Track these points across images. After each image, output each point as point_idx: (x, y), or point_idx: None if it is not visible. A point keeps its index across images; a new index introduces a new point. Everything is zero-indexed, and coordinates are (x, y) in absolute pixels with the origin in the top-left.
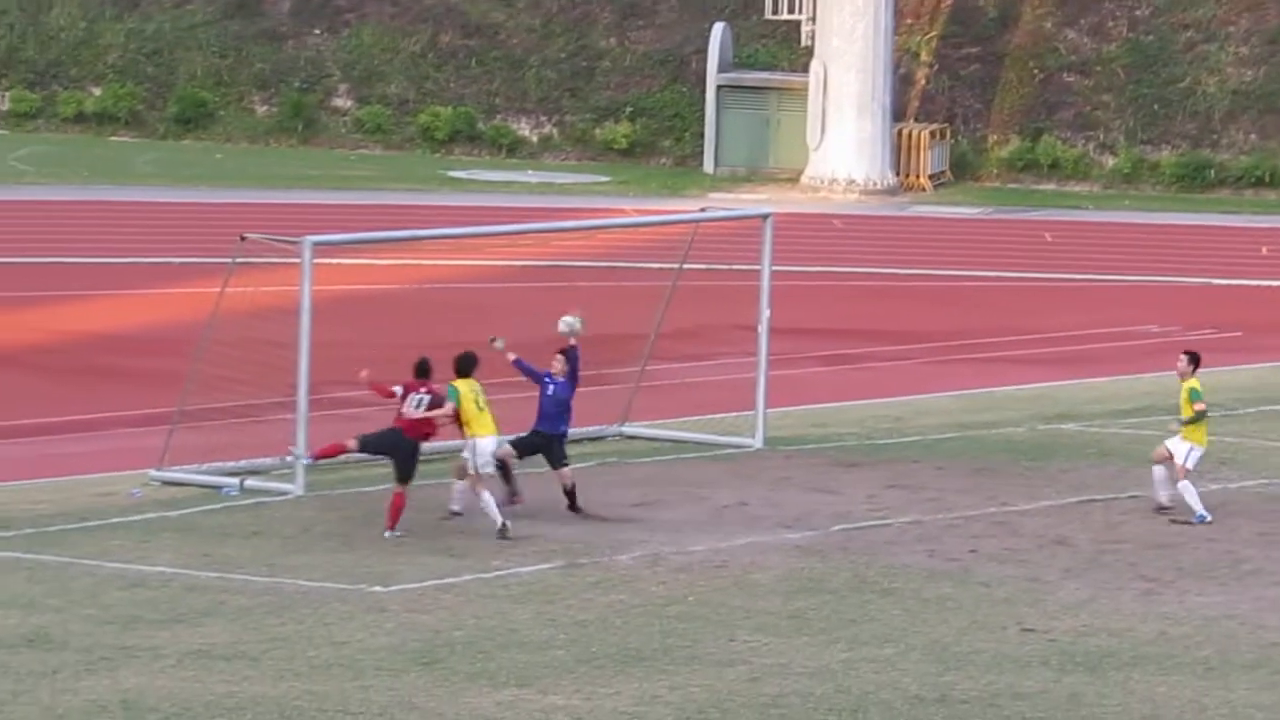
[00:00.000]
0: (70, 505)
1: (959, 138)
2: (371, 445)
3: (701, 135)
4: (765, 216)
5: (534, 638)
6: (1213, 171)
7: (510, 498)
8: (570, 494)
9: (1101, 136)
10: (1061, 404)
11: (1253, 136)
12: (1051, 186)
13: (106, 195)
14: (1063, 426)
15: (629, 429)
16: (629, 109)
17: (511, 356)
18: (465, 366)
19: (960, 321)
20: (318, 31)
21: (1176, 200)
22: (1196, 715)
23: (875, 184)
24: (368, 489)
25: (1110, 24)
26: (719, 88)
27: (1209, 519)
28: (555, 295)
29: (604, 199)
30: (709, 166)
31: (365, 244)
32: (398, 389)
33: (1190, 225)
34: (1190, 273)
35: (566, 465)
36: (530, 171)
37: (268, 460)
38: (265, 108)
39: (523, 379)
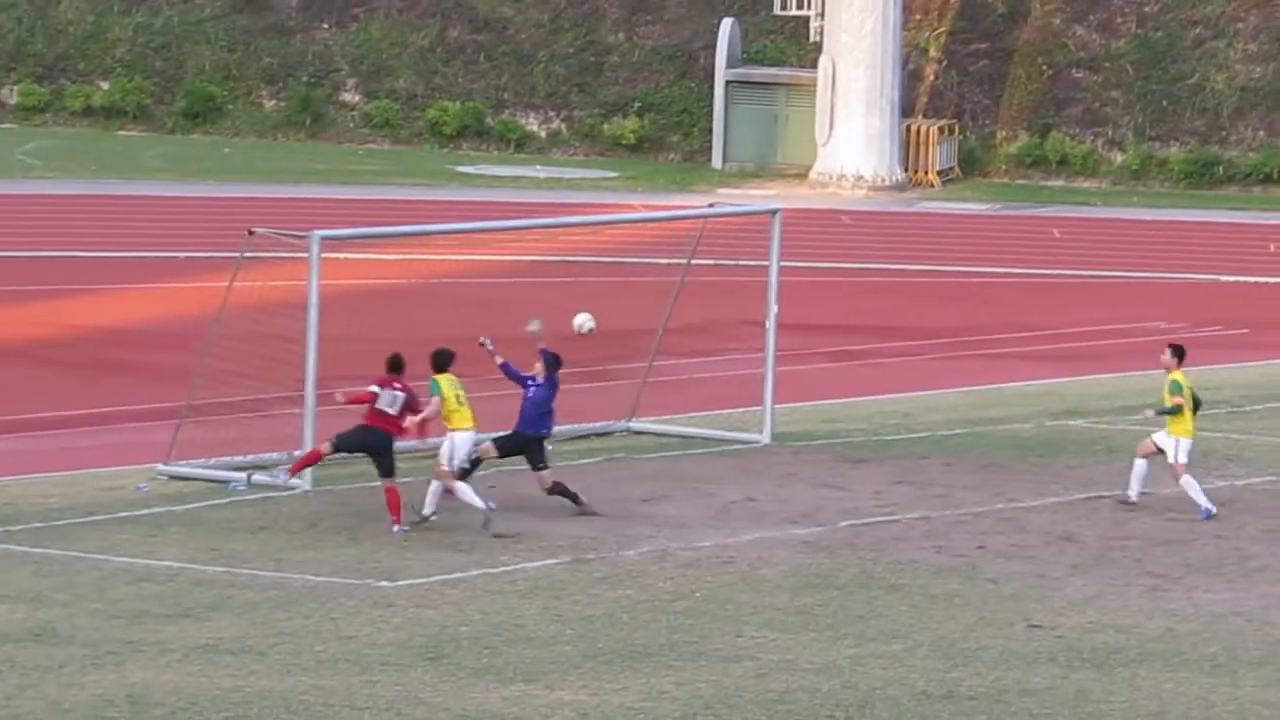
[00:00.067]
0: (78, 499)
1: (967, 134)
2: (346, 444)
3: (710, 131)
4: (773, 212)
5: (541, 633)
6: (1221, 168)
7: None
8: (563, 494)
9: (1110, 133)
10: (1069, 400)
11: (1261, 133)
12: (1060, 183)
13: (114, 189)
14: (1070, 423)
15: (636, 424)
16: (637, 104)
17: (499, 360)
18: (443, 362)
19: (968, 317)
20: (326, 26)
21: (1185, 197)
22: (1203, 712)
23: (883, 180)
24: (375, 483)
25: (1119, 20)
26: (727, 83)
27: (1214, 512)
28: (563, 290)
29: (612, 194)
30: (717, 162)
31: (373, 238)
32: (374, 388)
33: (1198, 222)
34: (1198, 269)
35: (545, 468)
36: (538, 167)
37: (275, 455)
38: (273, 102)
39: (504, 378)
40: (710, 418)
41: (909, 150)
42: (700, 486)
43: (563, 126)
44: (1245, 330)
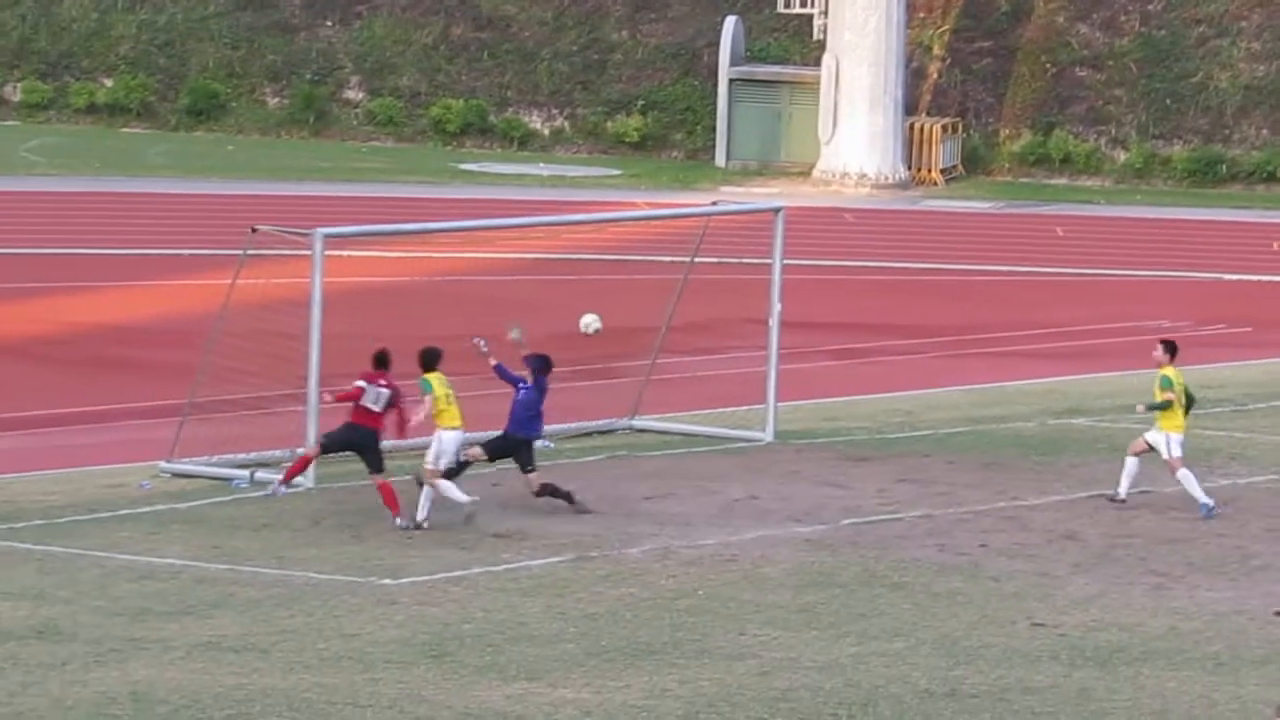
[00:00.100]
0: (80, 497)
1: (971, 132)
2: (333, 444)
3: (713, 129)
4: (777, 210)
5: (543, 631)
6: (1224, 167)
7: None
8: (553, 495)
9: (1113, 131)
10: (1072, 399)
11: (1264, 132)
12: (1063, 181)
13: (118, 187)
14: (1073, 421)
15: (639, 422)
16: (640, 102)
17: (493, 361)
18: (432, 360)
19: (971, 316)
20: (330, 23)
21: (1188, 195)
22: (1206, 711)
23: (887, 178)
24: (402, 478)
25: (1122, 18)
26: (731, 81)
27: (1213, 506)
28: (567, 288)
29: (615, 192)
30: (720, 160)
31: (376, 236)
32: (361, 383)
33: (1201, 220)
34: (1201, 268)
35: (534, 470)
36: (542, 165)
37: (278, 452)
38: (277, 100)
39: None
40: (713, 415)
41: (912, 148)
42: (703, 484)
43: (566, 124)
44: (1248, 329)
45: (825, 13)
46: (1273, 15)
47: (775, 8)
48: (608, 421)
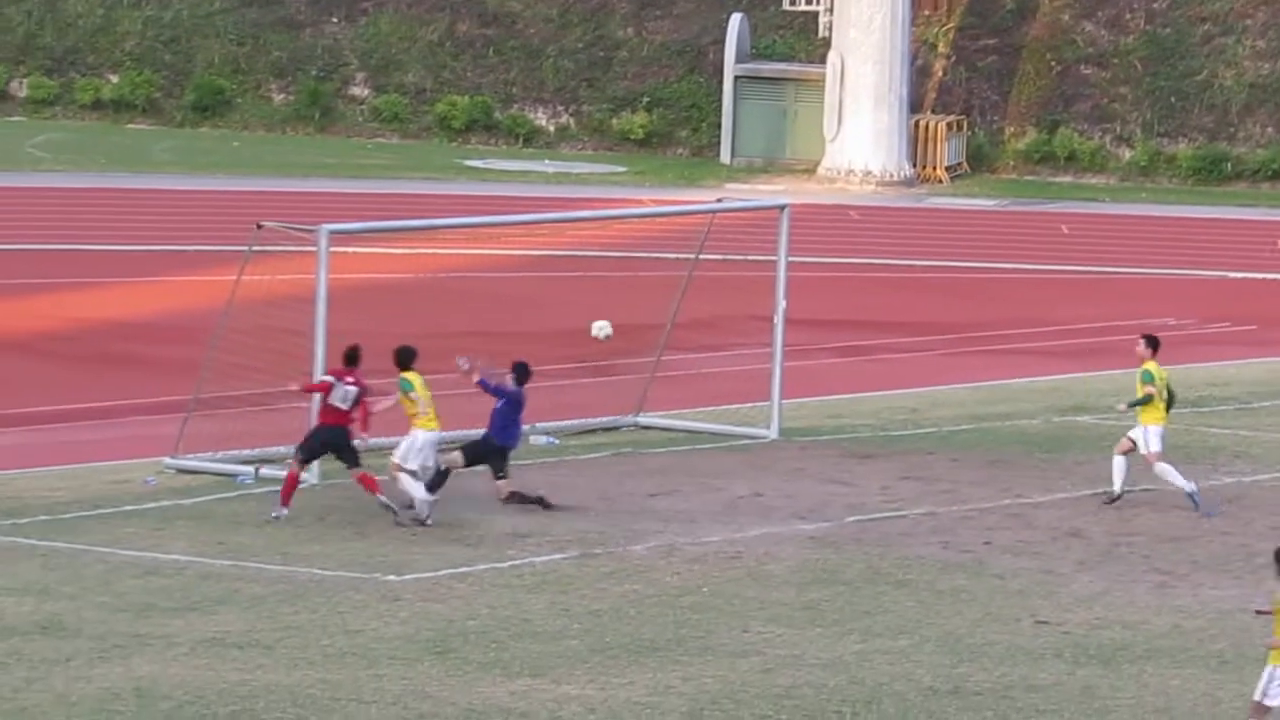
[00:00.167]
0: (84, 493)
1: (976, 129)
2: (311, 452)
3: (718, 126)
4: (782, 207)
5: (548, 628)
6: (1229, 165)
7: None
8: (521, 501)
9: (1118, 129)
10: (1077, 396)
11: (1269, 130)
12: (1068, 179)
13: (123, 183)
14: (1078, 419)
15: (644, 419)
16: (646, 99)
17: (476, 377)
18: (408, 359)
19: (976, 313)
20: (335, 20)
21: (1193, 193)
22: (1210, 709)
23: (892, 175)
24: (382, 477)
25: (1128, 16)
26: (736, 78)
27: (1196, 490)
28: (571, 285)
29: (620, 189)
30: (725, 157)
31: (381, 232)
32: (329, 378)
33: (1206, 218)
34: (1206, 265)
35: (504, 478)
36: (547, 161)
37: (283, 448)
38: (282, 96)
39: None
40: (718, 413)
41: (917, 146)
42: (707, 481)
43: (571, 121)
44: (1253, 327)
45: (830, 10)
46: (1278, 13)
47: (780, 5)
48: (612, 418)
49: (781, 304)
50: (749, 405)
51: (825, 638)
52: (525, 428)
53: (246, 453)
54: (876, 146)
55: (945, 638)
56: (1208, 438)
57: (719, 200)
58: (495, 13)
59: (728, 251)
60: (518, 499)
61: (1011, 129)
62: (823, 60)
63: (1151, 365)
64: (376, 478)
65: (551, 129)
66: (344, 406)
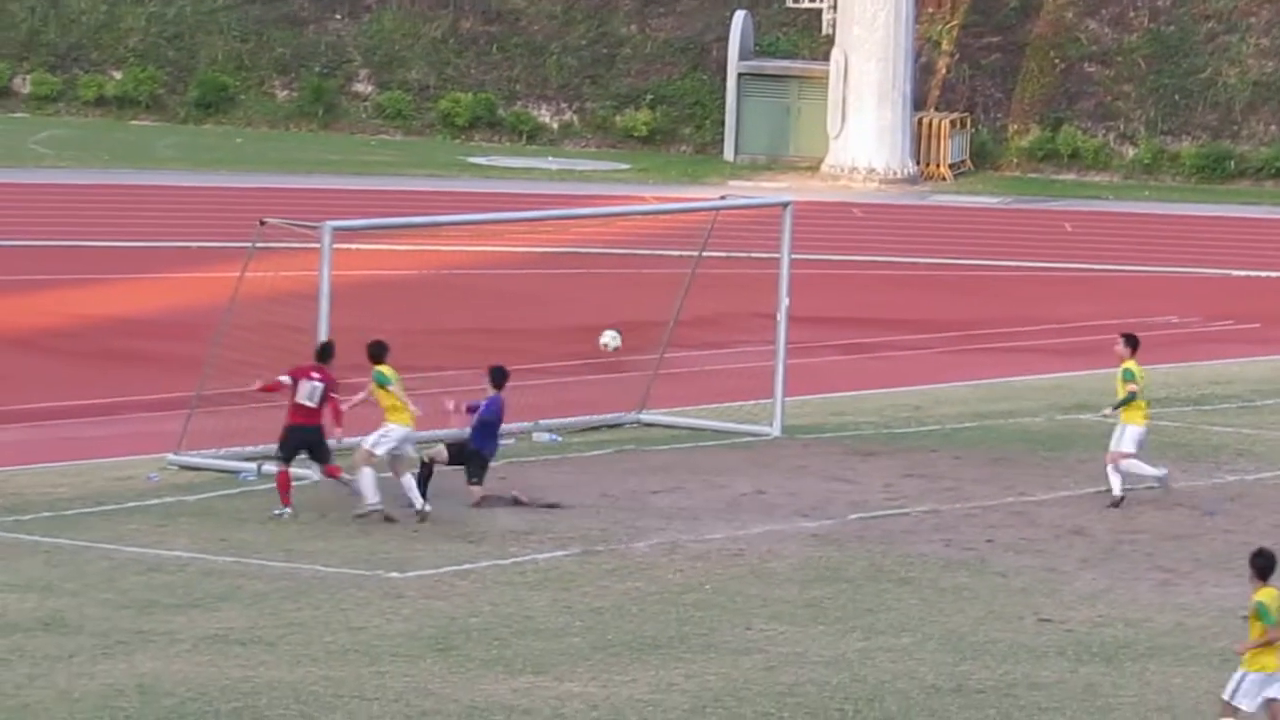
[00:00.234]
0: (87, 489)
1: (979, 127)
2: (289, 452)
3: (722, 123)
4: (785, 205)
5: (550, 625)
6: (1233, 163)
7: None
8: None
9: (1122, 127)
10: (1079, 394)
11: (1273, 128)
12: (1071, 176)
13: (127, 179)
14: (1080, 417)
15: (647, 416)
16: (649, 96)
17: (465, 409)
18: (381, 352)
19: (979, 311)
20: (339, 16)
21: (1196, 191)
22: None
23: (895, 173)
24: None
25: (1131, 14)
26: (739, 76)
27: (1165, 475)
28: (575, 282)
29: (624, 186)
30: (729, 154)
31: (385, 229)
32: (285, 378)
33: (1210, 216)
34: (1209, 264)
35: (476, 484)
36: (550, 158)
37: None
38: (286, 92)
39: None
40: (720, 410)
41: (921, 143)
42: (710, 479)
43: (575, 118)
44: (1257, 325)
45: (834, 8)
46: None
47: (784, 2)
48: (615, 416)
49: (784, 301)
50: (752, 402)
51: (828, 635)
52: (528, 425)
53: (249, 449)
54: (880, 144)
55: (948, 635)
56: (1210, 436)
57: (722, 197)
58: (499, 9)
59: (731, 249)
60: (489, 503)
61: (1015, 126)
62: (826, 57)
63: (1131, 364)
64: (337, 469)
65: (555, 126)
66: (311, 404)
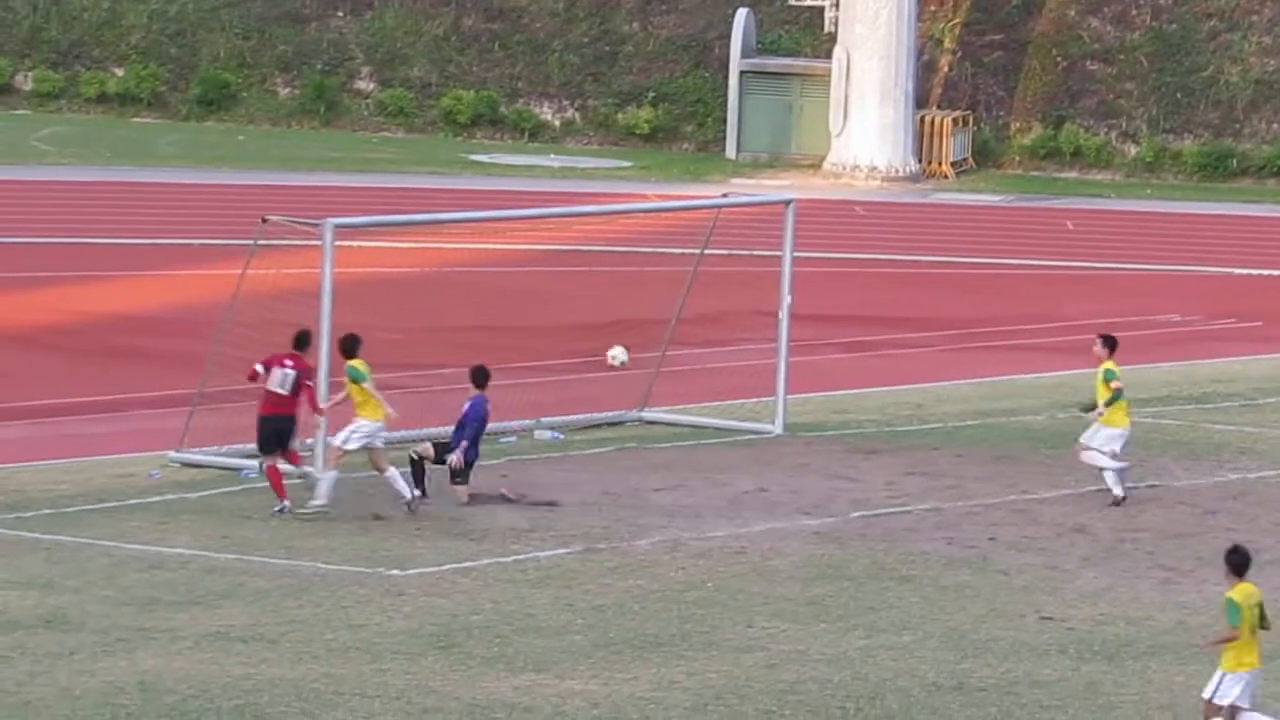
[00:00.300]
0: (89, 486)
1: (981, 125)
2: (267, 445)
3: (724, 121)
4: (787, 202)
5: (552, 623)
6: (1235, 161)
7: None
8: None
9: (1124, 125)
10: (1082, 392)
11: (1275, 126)
12: (1074, 174)
13: (128, 176)
14: (1083, 415)
15: (649, 414)
16: (651, 94)
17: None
18: (354, 347)
19: (981, 309)
20: (341, 14)
21: (1198, 189)
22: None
23: (897, 171)
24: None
25: (1133, 12)
26: (742, 73)
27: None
28: (577, 279)
29: (626, 184)
30: (731, 152)
31: (387, 227)
32: (259, 366)
33: (1212, 215)
34: (1212, 262)
35: (461, 484)
36: (552, 156)
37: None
38: (288, 90)
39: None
40: (723, 408)
41: (923, 141)
42: (712, 476)
43: (577, 116)
44: (1259, 323)
45: (836, 5)
46: None
47: (786, 0)
48: (617, 413)
49: (787, 299)
50: (754, 400)
51: (829, 633)
52: (529, 422)
53: (251, 447)
54: (882, 142)
55: (949, 633)
56: (1212, 434)
57: (724, 195)
58: (500, 7)
59: (733, 246)
60: (477, 501)
61: (1017, 124)
62: (828, 55)
63: (1110, 364)
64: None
65: (557, 123)
66: (283, 391)
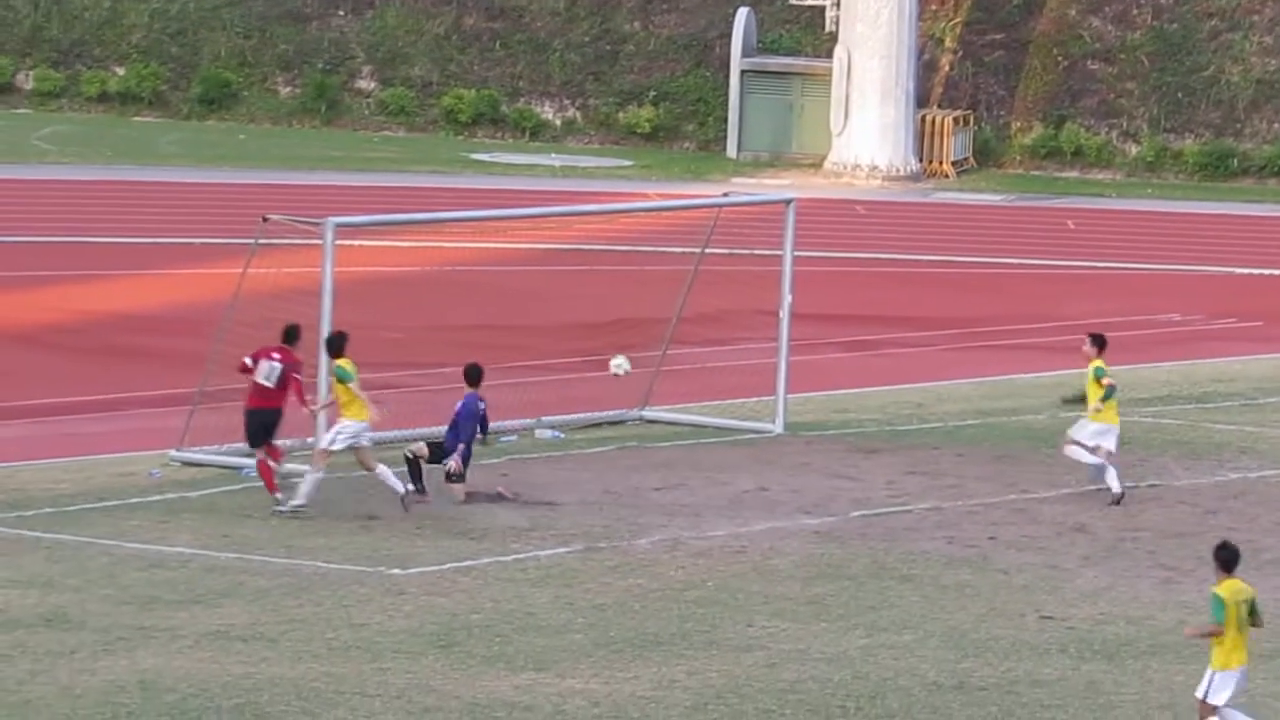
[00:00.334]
0: (89, 485)
1: (982, 124)
2: (255, 438)
3: (725, 120)
4: (788, 202)
5: (552, 621)
6: (1236, 160)
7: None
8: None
9: (1125, 124)
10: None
11: (1276, 126)
12: (1074, 174)
13: (129, 175)
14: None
15: (650, 413)
16: (652, 93)
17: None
18: (341, 346)
19: (982, 308)
20: (342, 13)
21: (1199, 189)
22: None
23: (898, 170)
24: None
25: (1134, 12)
26: (743, 73)
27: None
28: (578, 278)
29: (627, 183)
30: (732, 151)
31: (387, 226)
32: (248, 360)
33: (1213, 214)
34: (1212, 261)
35: (457, 482)
36: (553, 155)
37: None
38: (289, 89)
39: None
40: (723, 407)
41: (924, 141)
42: (713, 476)
43: (578, 115)
44: (1259, 323)
45: (837, 5)
46: None
47: (787, 0)
48: (618, 412)
49: (787, 298)
50: (754, 400)
51: (830, 632)
52: (530, 421)
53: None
54: (883, 141)
55: (950, 633)
56: (1213, 433)
57: (725, 194)
58: (502, 6)
59: (734, 246)
60: (474, 499)
61: (1018, 124)
62: (829, 55)
63: (1100, 362)
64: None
65: (558, 123)
66: (269, 383)
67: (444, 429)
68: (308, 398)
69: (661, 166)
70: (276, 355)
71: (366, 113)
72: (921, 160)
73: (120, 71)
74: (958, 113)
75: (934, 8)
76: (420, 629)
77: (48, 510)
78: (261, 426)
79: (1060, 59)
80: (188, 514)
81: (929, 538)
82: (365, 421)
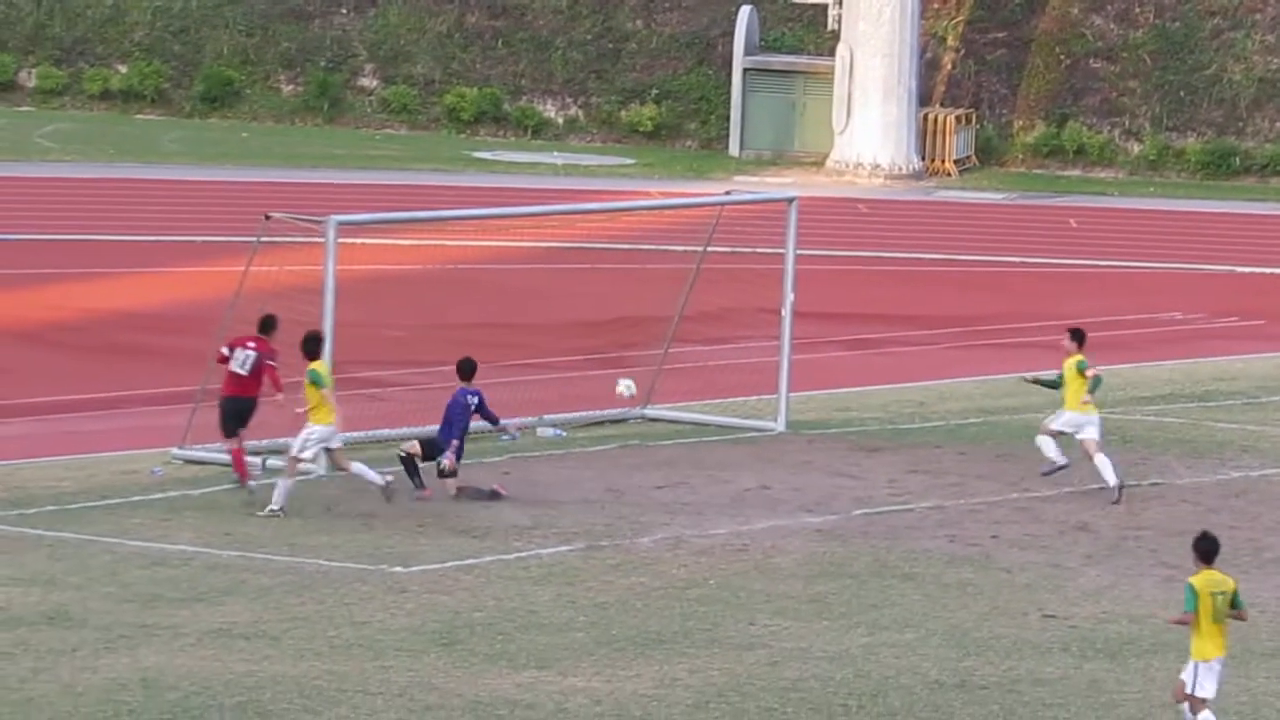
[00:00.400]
0: (92, 483)
1: (985, 123)
2: (230, 428)
3: (727, 118)
4: (790, 200)
5: (554, 620)
6: (1238, 159)
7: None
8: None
9: (1127, 123)
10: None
11: (1278, 124)
12: (1077, 172)
13: (132, 173)
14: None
15: (652, 411)
16: (655, 91)
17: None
18: (317, 348)
19: (984, 306)
20: (344, 11)
21: (1202, 187)
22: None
23: (900, 168)
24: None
25: (1137, 10)
26: (745, 71)
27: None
28: (580, 277)
29: (629, 181)
30: (734, 150)
31: (390, 224)
32: (225, 349)
33: (1215, 213)
34: (1214, 260)
35: (444, 478)
36: (555, 153)
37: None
38: (291, 87)
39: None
40: (725, 405)
41: (926, 139)
42: (715, 474)
43: (580, 113)
44: (1261, 321)
45: (840, 3)
46: None
47: None
48: (620, 410)
49: (790, 297)
50: (756, 398)
51: (832, 631)
52: (532, 420)
53: (253, 444)
54: (885, 139)
55: (952, 631)
56: (1215, 432)
57: (727, 193)
58: (504, 4)
59: (736, 244)
60: (466, 494)
61: (1020, 122)
62: (832, 53)
63: (1081, 356)
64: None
65: (560, 121)
66: (243, 371)
67: (432, 427)
68: (298, 409)
69: (664, 165)
70: (252, 345)
71: (369, 111)
72: (924, 159)
73: (123, 69)
74: (960, 111)
75: (936, 6)
76: (422, 627)
77: (50, 508)
78: (235, 414)
79: (1062, 57)
80: (190, 512)
81: (931, 536)
82: (332, 425)
